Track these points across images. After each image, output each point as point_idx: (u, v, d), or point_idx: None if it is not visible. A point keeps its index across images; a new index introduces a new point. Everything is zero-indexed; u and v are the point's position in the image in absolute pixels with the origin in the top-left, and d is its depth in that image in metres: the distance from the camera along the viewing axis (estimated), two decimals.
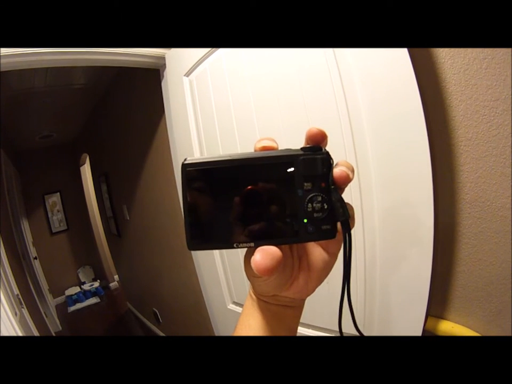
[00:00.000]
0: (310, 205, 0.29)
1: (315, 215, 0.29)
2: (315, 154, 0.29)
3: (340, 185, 0.30)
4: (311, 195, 0.29)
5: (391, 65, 0.70)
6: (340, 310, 0.35)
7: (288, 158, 0.29)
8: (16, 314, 1.37)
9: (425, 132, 0.67)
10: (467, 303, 0.77)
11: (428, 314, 0.75)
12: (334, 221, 0.29)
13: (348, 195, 0.79)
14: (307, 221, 0.29)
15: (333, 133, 0.80)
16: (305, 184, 0.29)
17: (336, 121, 0.80)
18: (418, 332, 0.76)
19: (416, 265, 0.74)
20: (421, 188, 0.70)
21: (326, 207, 0.29)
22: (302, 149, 0.30)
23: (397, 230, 0.77)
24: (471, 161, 0.71)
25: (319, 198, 0.29)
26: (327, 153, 0.30)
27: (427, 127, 0.67)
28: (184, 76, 1.23)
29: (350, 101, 0.77)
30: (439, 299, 0.81)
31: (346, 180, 0.29)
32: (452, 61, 0.69)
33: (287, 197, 0.30)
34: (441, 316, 0.82)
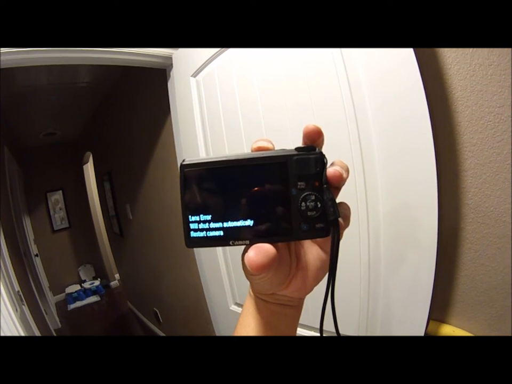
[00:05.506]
0: (303, 203, 0.30)
1: (309, 213, 0.30)
2: (309, 154, 0.30)
3: (333, 184, 0.30)
4: (304, 194, 0.30)
5: (397, 71, 0.71)
6: (322, 309, 0.35)
7: (282, 158, 0.30)
8: (16, 310, 1.37)
9: (431, 137, 0.68)
10: (469, 307, 0.78)
11: (429, 318, 0.76)
12: (327, 219, 0.30)
13: (354, 197, 0.80)
14: (301, 219, 0.30)
15: (340, 135, 0.81)
16: (299, 183, 0.30)
17: (343, 124, 0.81)
18: (420, 335, 0.76)
19: (419, 268, 0.75)
20: (426, 192, 0.71)
21: (319, 205, 0.30)
22: (296, 149, 0.31)
23: (400, 233, 0.77)
24: (475, 166, 0.71)
25: (313, 197, 0.30)
26: (321, 153, 0.30)
27: (433, 132, 0.68)
28: (191, 76, 1.24)
29: (357, 105, 0.78)
30: (441, 303, 0.81)
31: (340, 179, 0.30)
32: (458, 67, 0.70)
33: (282, 196, 0.30)
34: (443, 320, 0.82)
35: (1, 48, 0.98)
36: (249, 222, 0.30)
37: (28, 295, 2.21)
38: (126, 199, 2.91)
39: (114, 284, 4.76)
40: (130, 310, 3.74)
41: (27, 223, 3.80)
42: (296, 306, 0.37)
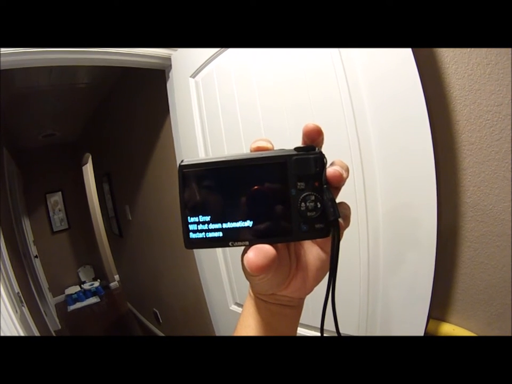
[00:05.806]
0: (303, 204, 0.29)
1: (308, 214, 0.30)
2: (308, 154, 0.30)
3: (333, 184, 0.30)
4: (304, 194, 0.30)
5: (396, 71, 0.71)
6: (323, 310, 0.35)
7: (281, 158, 0.30)
8: (16, 311, 1.37)
9: (430, 136, 0.68)
10: (468, 305, 0.78)
11: (429, 316, 0.76)
12: (327, 220, 0.29)
13: (353, 197, 0.80)
14: (300, 219, 0.30)
15: (339, 136, 0.81)
16: (299, 183, 0.30)
17: (342, 124, 0.81)
18: (420, 334, 0.76)
19: (419, 267, 0.75)
20: (425, 191, 0.71)
21: (319, 206, 0.29)
22: (295, 149, 0.30)
23: (400, 232, 0.77)
24: (474, 165, 0.72)
25: (312, 197, 0.29)
26: (320, 152, 0.30)
27: (431, 131, 0.68)
28: (190, 77, 1.24)
29: (356, 105, 0.78)
30: (440, 301, 0.81)
31: (340, 179, 0.29)
32: (456, 66, 0.70)
33: (281, 196, 0.30)
34: (442, 318, 0.82)
35: (1, 49, 0.98)
36: (248, 223, 0.30)
37: (27, 297, 2.21)
38: (125, 200, 2.90)
39: (114, 285, 4.76)
40: (130, 311, 3.74)
41: (26, 225, 3.80)
42: (296, 306, 0.37)
